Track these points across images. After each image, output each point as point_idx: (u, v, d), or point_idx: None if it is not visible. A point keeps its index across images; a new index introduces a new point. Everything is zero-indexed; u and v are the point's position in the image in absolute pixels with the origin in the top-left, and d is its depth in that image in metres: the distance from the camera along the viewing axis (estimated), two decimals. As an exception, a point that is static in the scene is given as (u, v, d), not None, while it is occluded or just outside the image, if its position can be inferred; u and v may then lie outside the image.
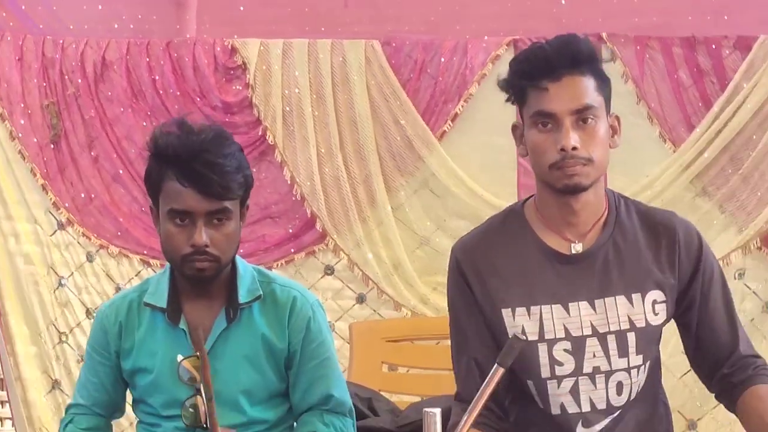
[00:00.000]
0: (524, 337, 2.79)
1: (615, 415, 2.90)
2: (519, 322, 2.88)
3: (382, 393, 3.82)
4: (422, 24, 4.59)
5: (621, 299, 2.89)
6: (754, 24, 4.45)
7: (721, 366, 2.95)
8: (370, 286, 4.54)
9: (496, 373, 2.41)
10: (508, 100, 2.91)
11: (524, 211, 2.97)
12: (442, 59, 4.53)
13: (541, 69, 2.83)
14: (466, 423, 2.41)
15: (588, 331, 2.87)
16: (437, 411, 2.22)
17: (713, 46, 4.42)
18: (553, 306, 2.88)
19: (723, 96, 4.40)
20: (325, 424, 3.17)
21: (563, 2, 4.54)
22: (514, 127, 2.92)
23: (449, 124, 4.54)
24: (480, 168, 4.50)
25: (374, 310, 4.54)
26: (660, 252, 2.92)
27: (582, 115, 2.79)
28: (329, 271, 4.56)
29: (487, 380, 2.38)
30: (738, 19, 4.47)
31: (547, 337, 2.87)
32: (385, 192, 4.53)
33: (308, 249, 4.58)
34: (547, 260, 2.91)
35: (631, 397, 2.91)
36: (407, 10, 4.61)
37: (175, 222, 3.06)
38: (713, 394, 3.03)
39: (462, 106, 4.52)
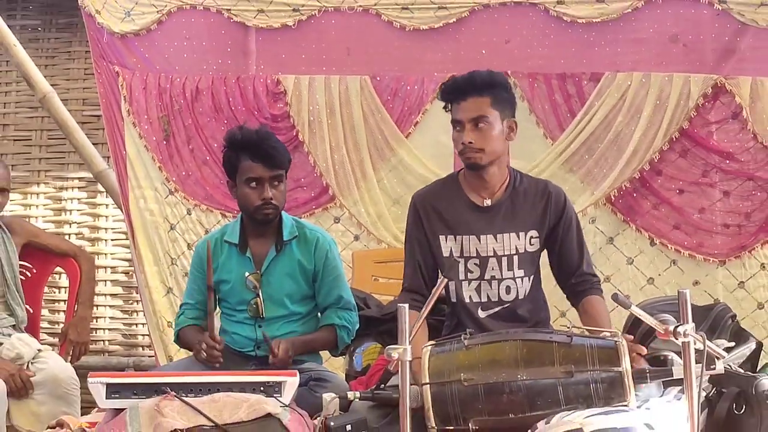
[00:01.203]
0: (459, 260, 3.00)
1: (506, 306, 3.07)
2: (449, 245, 3.09)
3: (372, 294, 3.89)
4: (396, 66, 4.58)
5: (513, 235, 3.07)
6: (602, 65, 4.45)
7: (570, 277, 3.13)
8: (362, 229, 4.56)
9: (442, 283, 2.56)
10: (444, 108, 3.12)
11: (458, 177, 3.17)
12: (408, 87, 4.54)
13: (453, 92, 3.04)
14: (421, 315, 2.55)
15: (491, 253, 3.06)
16: (406, 305, 2.38)
17: (576, 79, 4.45)
18: (470, 236, 3.07)
19: (582, 110, 4.43)
20: (339, 317, 3.38)
21: (483, 52, 4.52)
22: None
23: (413, 128, 4.54)
24: (431, 155, 4.51)
25: (365, 245, 4.55)
26: (538, 206, 3.11)
27: (476, 122, 2.99)
28: (337, 220, 4.58)
29: (436, 287, 2.53)
30: (592, 62, 4.47)
31: (464, 255, 3.07)
32: (372, 170, 4.56)
33: (324, 206, 4.58)
34: (469, 208, 3.10)
35: (519, 297, 3.08)
36: (387, 57, 4.58)
37: (250, 186, 3.24)
38: (565, 295, 3.21)
39: (420, 117, 4.53)
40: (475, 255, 3.06)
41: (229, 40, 4.66)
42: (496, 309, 3.07)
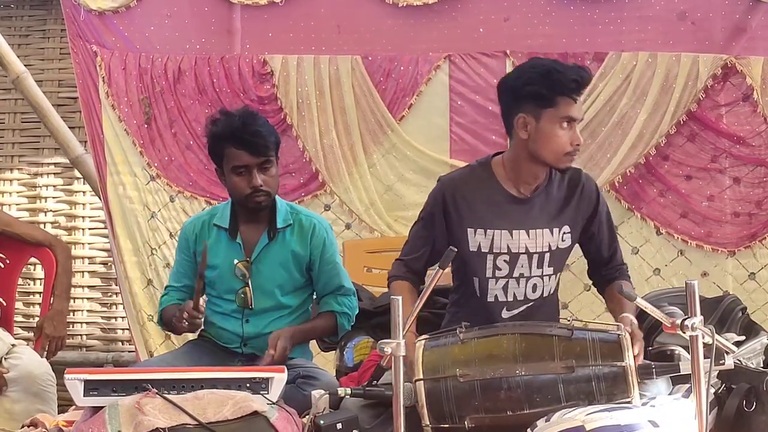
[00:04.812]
0: (455, 250, 2.72)
1: (530, 304, 3.01)
2: (478, 238, 2.99)
3: (364, 286, 3.87)
4: (389, 45, 4.55)
5: (546, 231, 2.99)
6: (605, 44, 4.44)
7: (603, 267, 3.10)
8: (354, 217, 4.56)
9: (438, 274, 2.54)
10: (539, 100, 2.86)
11: (491, 164, 3.04)
12: (402, 68, 4.53)
13: (574, 86, 2.85)
14: (415, 309, 2.53)
15: (522, 250, 2.98)
16: (399, 297, 2.37)
17: (579, 59, 4.38)
18: (502, 231, 2.97)
19: (585, 92, 4.40)
20: (338, 303, 3.39)
21: (481, 30, 4.50)
22: (522, 119, 2.88)
23: (406, 111, 4.53)
24: (425, 139, 4.50)
25: (357, 234, 4.56)
26: (572, 199, 3.02)
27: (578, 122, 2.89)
28: (327, 207, 4.59)
29: (431, 279, 2.50)
30: (595, 41, 4.45)
31: (494, 251, 2.98)
32: (363, 156, 4.56)
33: (313, 193, 4.59)
34: (503, 200, 3.00)
35: (544, 295, 3.03)
36: (379, 35, 4.56)
37: (238, 174, 3.24)
38: (592, 282, 3.20)
39: (414, 99, 4.52)
40: (505, 251, 2.98)
41: (213, 18, 4.63)
42: (521, 308, 3.02)
